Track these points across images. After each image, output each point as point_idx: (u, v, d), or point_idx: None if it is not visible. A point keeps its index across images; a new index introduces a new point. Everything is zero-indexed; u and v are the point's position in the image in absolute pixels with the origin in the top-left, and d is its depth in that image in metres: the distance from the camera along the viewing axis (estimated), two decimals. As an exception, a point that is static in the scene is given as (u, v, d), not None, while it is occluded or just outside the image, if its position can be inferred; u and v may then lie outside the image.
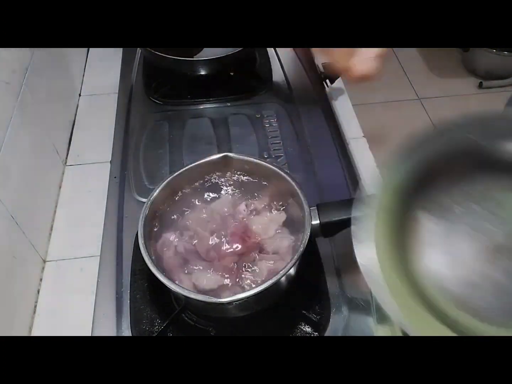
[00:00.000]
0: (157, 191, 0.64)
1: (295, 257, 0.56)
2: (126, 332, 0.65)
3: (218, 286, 0.58)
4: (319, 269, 0.70)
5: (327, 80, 1.05)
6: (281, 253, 0.62)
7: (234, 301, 0.55)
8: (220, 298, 0.55)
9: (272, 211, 0.66)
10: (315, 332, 0.64)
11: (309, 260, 0.70)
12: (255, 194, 0.68)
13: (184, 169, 0.66)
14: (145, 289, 0.68)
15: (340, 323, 0.65)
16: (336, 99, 1.03)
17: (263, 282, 0.55)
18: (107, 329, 0.65)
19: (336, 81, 1.05)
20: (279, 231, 0.64)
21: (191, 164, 0.67)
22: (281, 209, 0.66)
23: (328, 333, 0.64)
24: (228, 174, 0.69)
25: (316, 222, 0.59)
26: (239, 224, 0.64)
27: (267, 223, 0.64)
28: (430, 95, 2.36)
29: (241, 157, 0.66)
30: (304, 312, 0.64)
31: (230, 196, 0.68)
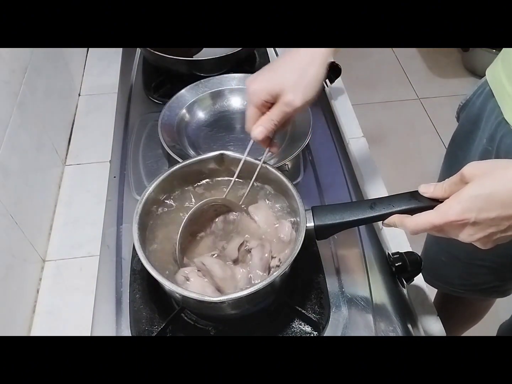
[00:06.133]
0: (151, 188, 0.63)
1: (290, 259, 0.56)
2: (126, 331, 0.65)
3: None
4: (319, 269, 0.70)
5: (327, 80, 1.05)
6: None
7: (227, 300, 0.55)
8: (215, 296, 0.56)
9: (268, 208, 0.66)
10: (315, 331, 0.64)
11: (309, 260, 0.70)
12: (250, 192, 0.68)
13: (179, 166, 0.66)
14: (144, 288, 0.68)
15: (340, 323, 0.65)
16: (336, 99, 1.03)
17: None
18: (107, 329, 0.65)
19: (336, 81, 1.05)
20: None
21: (186, 161, 0.67)
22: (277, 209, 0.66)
23: (327, 332, 0.64)
24: (224, 172, 0.69)
25: (310, 224, 0.59)
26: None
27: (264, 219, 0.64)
28: (430, 95, 2.36)
29: (237, 155, 0.66)
30: (303, 311, 0.64)
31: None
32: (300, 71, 0.58)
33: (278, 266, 0.60)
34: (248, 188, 0.64)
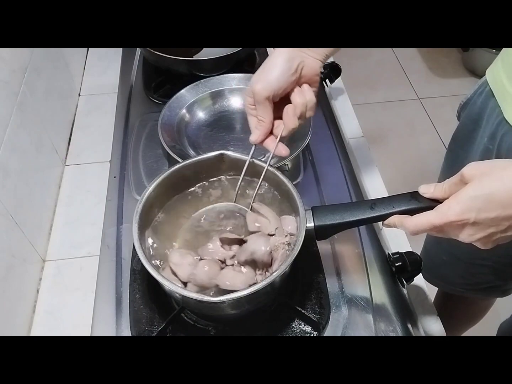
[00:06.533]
0: (151, 188, 0.63)
1: (289, 259, 0.56)
2: (126, 332, 0.65)
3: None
4: (319, 269, 0.70)
5: (327, 80, 1.05)
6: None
7: (227, 300, 0.55)
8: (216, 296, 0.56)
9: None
10: (315, 331, 0.64)
11: (309, 260, 0.70)
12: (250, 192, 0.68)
13: (179, 165, 0.66)
14: (144, 288, 0.68)
15: (340, 323, 0.65)
16: (336, 99, 1.03)
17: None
18: (107, 329, 0.65)
19: (336, 81, 1.05)
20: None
21: (186, 161, 0.67)
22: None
23: (327, 332, 0.64)
24: (224, 172, 0.69)
25: (310, 224, 0.59)
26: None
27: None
28: (430, 95, 2.37)
29: (237, 155, 0.66)
30: (303, 311, 0.64)
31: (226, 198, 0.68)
32: (263, 67, 0.61)
33: (289, 244, 0.60)
34: (255, 192, 0.64)
